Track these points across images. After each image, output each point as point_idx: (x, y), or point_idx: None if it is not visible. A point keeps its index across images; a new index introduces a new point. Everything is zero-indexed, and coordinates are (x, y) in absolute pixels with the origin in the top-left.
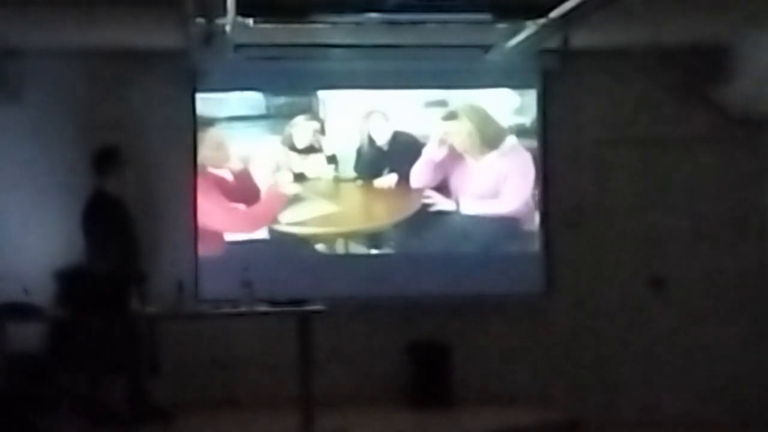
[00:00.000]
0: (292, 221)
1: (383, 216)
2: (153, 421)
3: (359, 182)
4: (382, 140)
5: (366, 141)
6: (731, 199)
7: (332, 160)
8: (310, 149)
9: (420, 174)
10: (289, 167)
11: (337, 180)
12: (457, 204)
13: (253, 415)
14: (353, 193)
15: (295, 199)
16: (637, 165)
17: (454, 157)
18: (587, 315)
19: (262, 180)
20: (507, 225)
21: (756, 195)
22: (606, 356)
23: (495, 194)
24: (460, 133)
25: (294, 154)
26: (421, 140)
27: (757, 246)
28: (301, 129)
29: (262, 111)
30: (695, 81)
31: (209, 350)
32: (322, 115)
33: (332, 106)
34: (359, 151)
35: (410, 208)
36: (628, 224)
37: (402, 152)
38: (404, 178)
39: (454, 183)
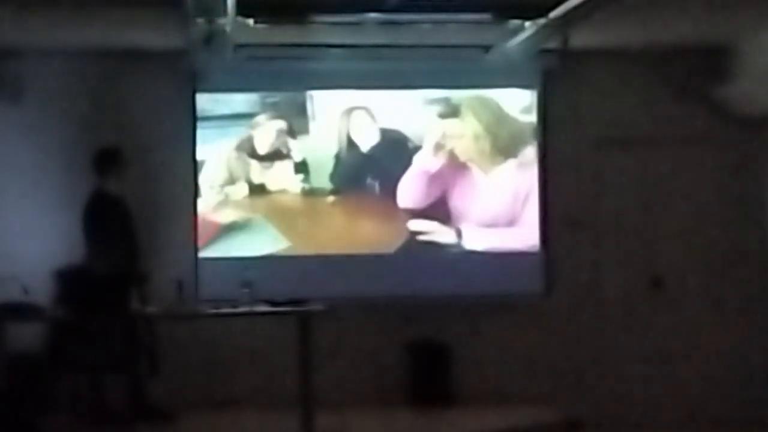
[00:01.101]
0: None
1: (359, 250)
2: (153, 421)
3: (331, 198)
4: (366, 144)
5: (345, 145)
6: (731, 199)
7: (302, 168)
8: (275, 155)
9: (409, 190)
10: (246, 178)
11: (306, 194)
12: (459, 234)
13: (253, 415)
14: (323, 215)
15: (234, 228)
16: (637, 165)
17: (455, 167)
18: (587, 315)
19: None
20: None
21: (756, 195)
22: (606, 356)
23: (511, 221)
24: (464, 135)
25: (254, 162)
26: (414, 144)
27: (757, 246)
28: (265, 130)
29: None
30: (695, 81)
31: (209, 350)
32: (310, 113)
33: (321, 106)
34: (338, 157)
35: (395, 238)
36: (628, 224)
37: (389, 159)
38: (390, 194)
39: (455, 204)
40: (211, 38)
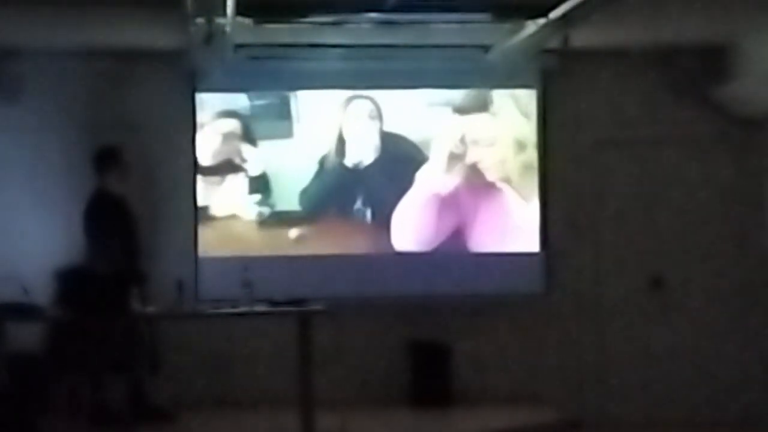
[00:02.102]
0: None
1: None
2: (153, 421)
3: (295, 232)
4: (362, 149)
5: (334, 150)
6: (731, 199)
7: (259, 185)
8: (224, 167)
9: (409, 224)
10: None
11: (264, 224)
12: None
13: (253, 415)
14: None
15: None
16: (637, 165)
17: (479, 189)
18: (587, 315)
19: None
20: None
21: (756, 195)
22: (606, 356)
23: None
24: (497, 139)
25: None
26: (420, 153)
27: (757, 246)
28: (208, 134)
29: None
30: (695, 81)
31: (209, 350)
32: (294, 114)
33: (309, 104)
34: (320, 168)
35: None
36: (628, 224)
37: (388, 174)
38: (388, 226)
39: (478, 245)
40: (211, 38)
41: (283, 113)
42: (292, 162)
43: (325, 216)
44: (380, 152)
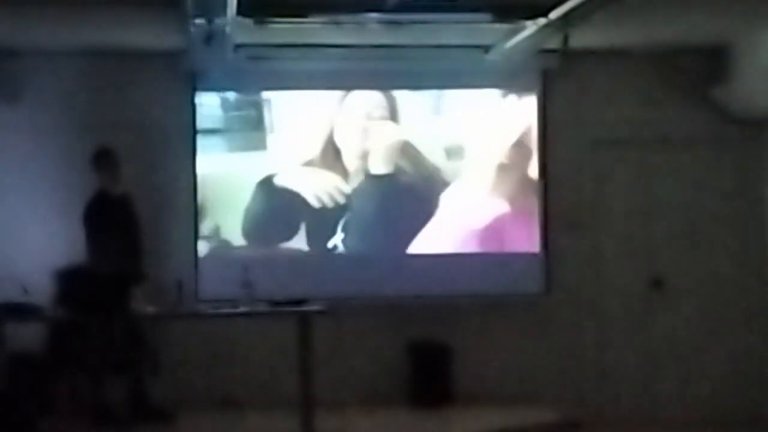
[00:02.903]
0: None
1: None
2: (153, 421)
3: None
4: (352, 162)
5: (320, 152)
6: (731, 199)
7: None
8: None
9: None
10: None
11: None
12: None
13: (253, 415)
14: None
15: None
16: (637, 165)
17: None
18: (587, 315)
19: None
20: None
21: (756, 195)
22: (606, 356)
23: None
24: None
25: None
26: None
27: (757, 246)
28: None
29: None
30: (695, 81)
31: (209, 350)
32: (267, 123)
33: (286, 111)
34: (290, 185)
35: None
36: (628, 224)
37: (397, 201)
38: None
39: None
40: (211, 38)
41: (257, 123)
42: (247, 180)
43: (278, 252)
44: (387, 166)
